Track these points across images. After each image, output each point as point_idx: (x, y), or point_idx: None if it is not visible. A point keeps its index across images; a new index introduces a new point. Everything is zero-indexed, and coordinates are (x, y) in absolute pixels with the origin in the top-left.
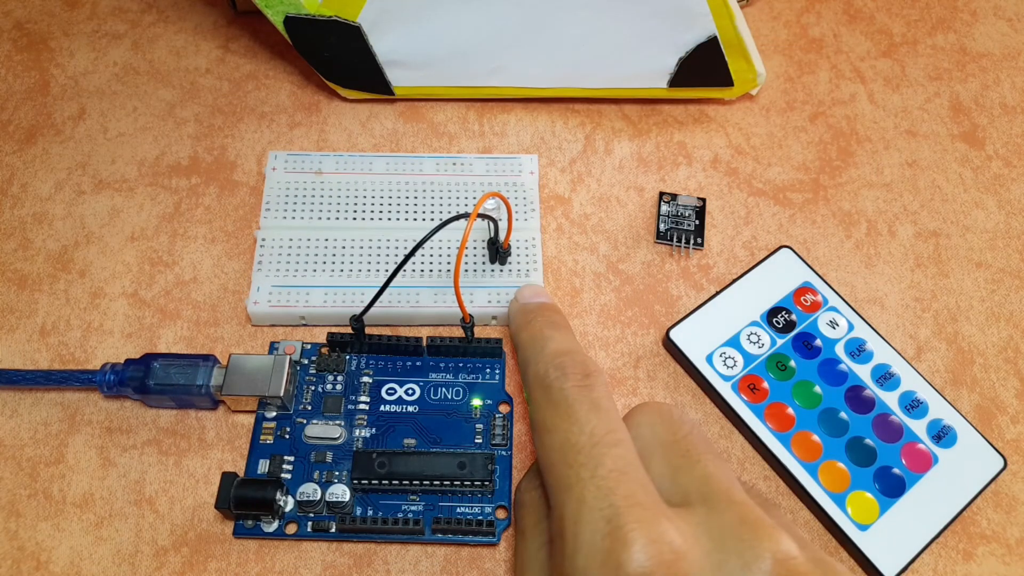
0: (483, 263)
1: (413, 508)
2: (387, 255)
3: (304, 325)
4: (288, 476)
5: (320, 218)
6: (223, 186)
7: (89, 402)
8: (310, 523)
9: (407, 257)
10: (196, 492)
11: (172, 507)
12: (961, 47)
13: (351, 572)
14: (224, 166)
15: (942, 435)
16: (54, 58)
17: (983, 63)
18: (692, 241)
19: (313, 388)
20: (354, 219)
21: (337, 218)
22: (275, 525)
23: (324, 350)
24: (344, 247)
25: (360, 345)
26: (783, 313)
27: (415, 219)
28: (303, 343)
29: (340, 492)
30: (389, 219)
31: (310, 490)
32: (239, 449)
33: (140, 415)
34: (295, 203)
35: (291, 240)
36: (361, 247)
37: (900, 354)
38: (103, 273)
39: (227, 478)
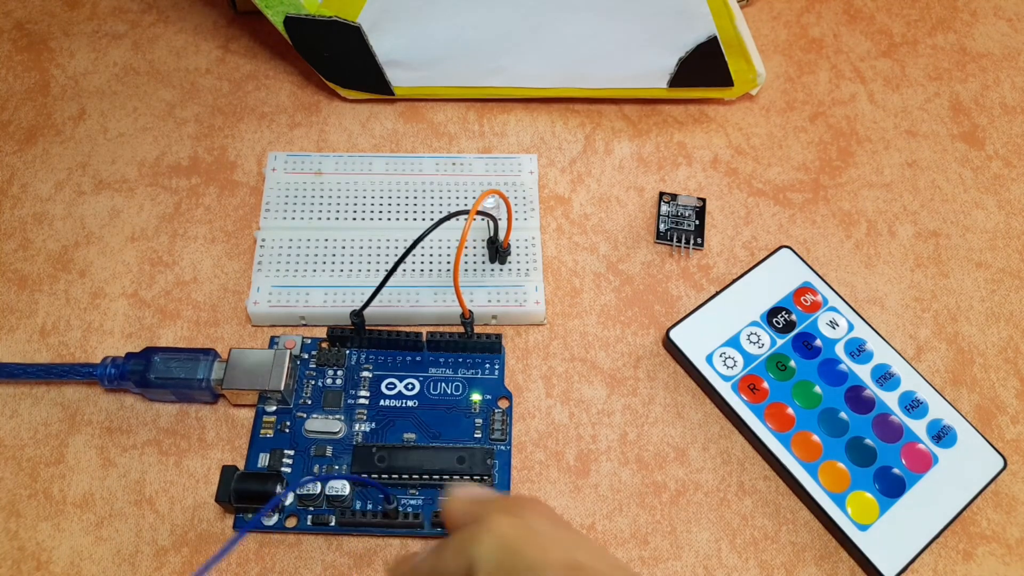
0: (483, 262)
1: (412, 502)
2: (387, 255)
3: (304, 325)
4: (288, 470)
5: (320, 218)
6: (223, 186)
7: (89, 402)
8: (310, 517)
9: (408, 250)
10: (196, 492)
11: (172, 507)
12: (961, 47)
13: (351, 571)
14: (224, 166)
15: (942, 435)
16: (54, 58)
17: (983, 63)
18: (692, 241)
19: (313, 382)
20: (354, 219)
21: (337, 218)
22: (275, 519)
23: (324, 345)
24: (344, 247)
25: (360, 340)
26: (783, 313)
27: (415, 219)
28: (303, 338)
29: (340, 486)
30: (389, 219)
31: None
32: (239, 449)
33: (140, 415)
34: (295, 203)
35: (291, 240)
36: (361, 247)
37: (900, 354)
38: (103, 273)
39: (227, 471)
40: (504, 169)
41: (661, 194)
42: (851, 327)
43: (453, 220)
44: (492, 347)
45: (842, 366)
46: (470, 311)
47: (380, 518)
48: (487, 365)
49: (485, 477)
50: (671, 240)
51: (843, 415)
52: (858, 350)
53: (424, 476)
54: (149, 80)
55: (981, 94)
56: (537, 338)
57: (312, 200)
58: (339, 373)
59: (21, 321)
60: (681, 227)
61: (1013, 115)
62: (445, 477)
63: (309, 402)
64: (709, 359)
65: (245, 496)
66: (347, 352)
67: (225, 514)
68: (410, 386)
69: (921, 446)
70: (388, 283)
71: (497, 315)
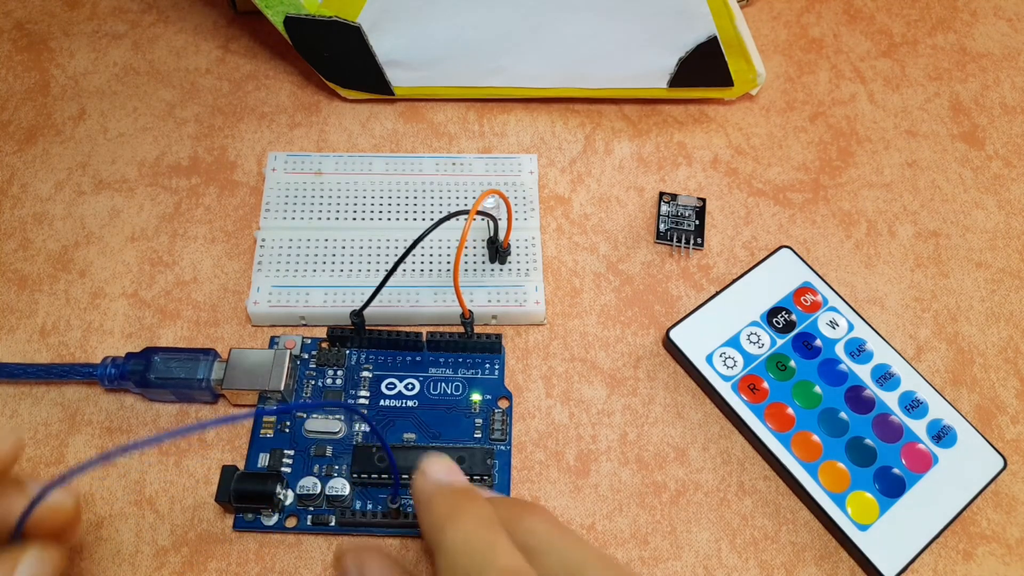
0: (483, 262)
1: (413, 502)
2: (387, 255)
3: (304, 325)
4: (288, 470)
5: (320, 218)
6: (223, 186)
7: (89, 402)
8: (310, 517)
9: (408, 251)
10: (196, 492)
11: (172, 507)
12: (961, 47)
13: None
14: (224, 166)
15: (942, 435)
16: (54, 58)
17: (983, 63)
18: (692, 241)
19: (313, 382)
20: (354, 219)
21: (337, 218)
22: (275, 519)
23: (324, 344)
24: (344, 247)
25: (360, 340)
26: (783, 313)
27: (415, 219)
28: (303, 337)
29: (340, 486)
30: (389, 219)
31: (310, 484)
32: (239, 449)
33: (140, 415)
34: (295, 203)
35: (291, 240)
36: (361, 247)
37: (900, 354)
38: (103, 273)
39: (227, 471)
40: (504, 169)
41: (661, 194)
42: (851, 327)
43: (452, 220)
44: (492, 347)
45: (842, 366)
46: (470, 311)
47: (380, 518)
48: (487, 365)
49: (485, 477)
50: (671, 240)
51: (843, 415)
52: (858, 350)
53: None
54: (149, 80)
55: (981, 94)
56: (537, 338)
57: (312, 200)
58: (339, 373)
59: (21, 321)
60: (681, 227)
61: (1013, 115)
62: None
63: (309, 402)
64: (709, 359)
65: (245, 496)
66: (347, 352)
67: (225, 514)
68: (410, 386)
69: (921, 446)
70: (388, 283)
71: (497, 315)
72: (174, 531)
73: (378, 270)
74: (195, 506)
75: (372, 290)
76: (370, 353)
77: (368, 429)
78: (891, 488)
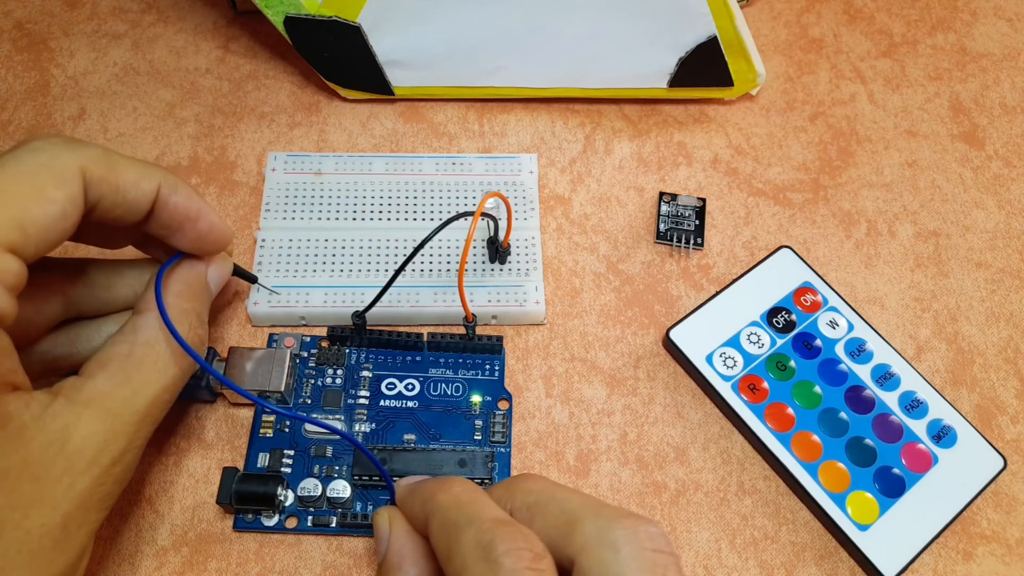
0: (483, 262)
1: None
2: (387, 255)
3: (304, 325)
4: (288, 470)
5: (320, 218)
6: (223, 186)
7: None
8: (311, 518)
9: (413, 253)
10: (196, 492)
11: (172, 507)
12: (961, 47)
13: (351, 572)
14: (224, 166)
15: (942, 435)
16: (54, 58)
17: (983, 63)
18: (692, 241)
19: (313, 382)
20: (354, 219)
21: (337, 218)
22: (275, 519)
23: (324, 343)
24: (344, 247)
25: (360, 339)
26: (783, 313)
27: (415, 219)
28: (303, 336)
29: (341, 488)
30: (389, 219)
31: (311, 486)
32: (239, 449)
33: None
34: (295, 204)
35: (291, 240)
36: (361, 247)
37: (900, 354)
38: None
39: (228, 473)
40: (504, 169)
41: (661, 194)
42: (851, 327)
43: (453, 222)
44: (493, 348)
45: (842, 366)
46: (473, 315)
47: None
48: (487, 366)
49: (486, 480)
50: (671, 240)
51: (843, 415)
52: (858, 350)
53: None
54: (149, 80)
55: (981, 94)
56: (537, 338)
57: (312, 200)
58: (339, 372)
59: None
60: (681, 227)
61: (1013, 115)
62: None
63: (309, 401)
64: (709, 359)
65: (246, 498)
66: (347, 351)
67: (225, 514)
68: (410, 386)
69: (921, 446)
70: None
71: (497, 315)
72: (174, 531)
73: (378, 270)
74: (195, 506)
75: (372, 290)
76: (370, 353)
77: (368, 431)
78: (891, 488)
